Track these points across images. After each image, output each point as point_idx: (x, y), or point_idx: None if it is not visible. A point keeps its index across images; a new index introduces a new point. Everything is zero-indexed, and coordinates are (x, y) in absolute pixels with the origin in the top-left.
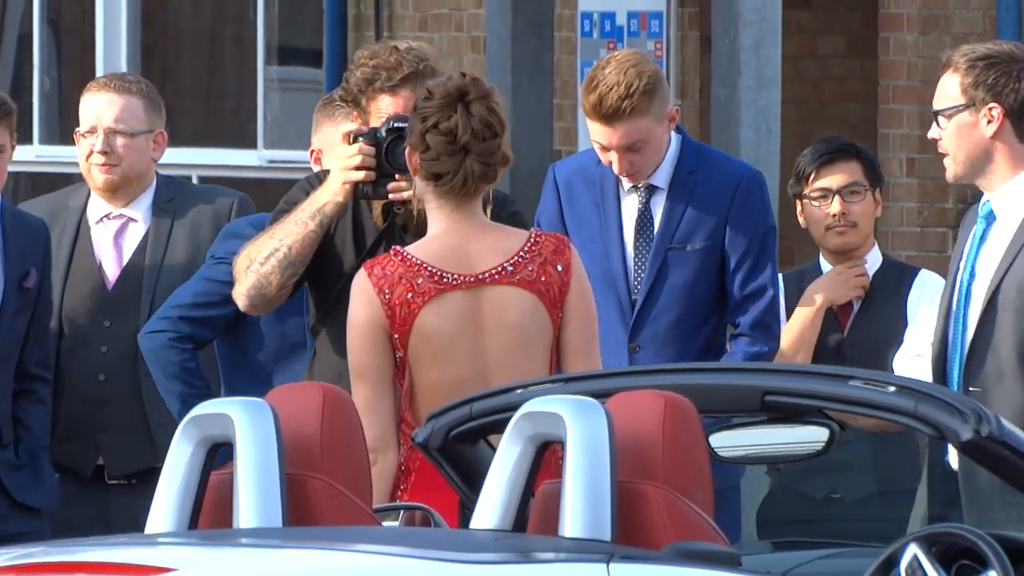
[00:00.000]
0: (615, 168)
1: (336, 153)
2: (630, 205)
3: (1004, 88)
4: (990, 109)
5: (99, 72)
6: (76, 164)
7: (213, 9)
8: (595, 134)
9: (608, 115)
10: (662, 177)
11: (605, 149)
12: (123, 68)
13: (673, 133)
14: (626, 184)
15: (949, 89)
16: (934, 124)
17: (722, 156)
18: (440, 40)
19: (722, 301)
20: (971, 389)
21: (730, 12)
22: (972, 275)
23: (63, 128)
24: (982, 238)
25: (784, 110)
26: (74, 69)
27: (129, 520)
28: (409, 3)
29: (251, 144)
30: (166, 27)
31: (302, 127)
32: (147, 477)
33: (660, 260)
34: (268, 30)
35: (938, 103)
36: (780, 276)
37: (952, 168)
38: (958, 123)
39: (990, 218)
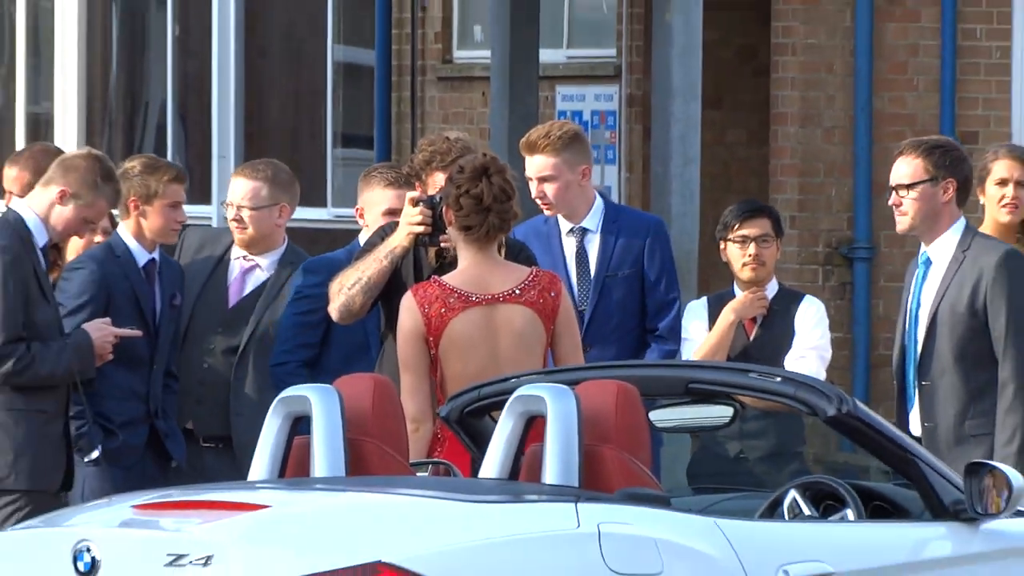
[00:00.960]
0: (532, 192)
1: (404, 212)
2: (569, 245)
3: (957, 168)
4: (947, 183)
5: (215, 153)
6: (200, 218)
7: (295, 108)
8: (526, 168)
9: (527, 146)
10: (592, 222)
11: (529, 179)
12: (231, 152)
13: (598, 195)
14: (564, 229)
15: (911, 168)
16: (894, 193)
17: (634, 210)
18: (457, 130)
19: (645, 310)
20: (923, 383)
21: (664, 113)
22: (918, 304)
23: (190, 194)
24: (924, 278)
25: (702, 183)
26: (196, 152)
27: (216, 471)
28: (436, 104)
29: (323, 204)
30: (262, 121)
31: (357, 192)
32: (230, 443)
33: (600, 285)
34: (334, 123)
35: (902, 179)
36: (705, 298)
37: (908, 223)
38: (922, 192)
39: (928, 263)
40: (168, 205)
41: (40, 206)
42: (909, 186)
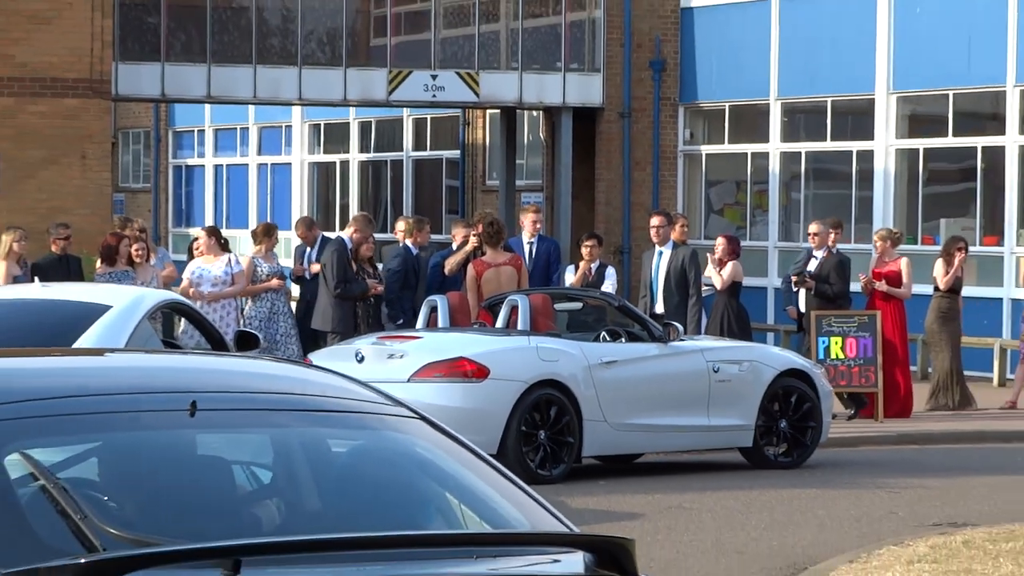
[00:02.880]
0: (526, 228)
1: (470, 239)
2: (527, 248)
3: (676, 220)
4: (674, 224)
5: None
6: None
7: (431, 203)
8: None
9: (523, 212)
10: (534, 240)
11: (521, 224)
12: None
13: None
14: (525, 241)
15: (663, 219)
16: (656, 229)
17: (549, 238)
18: (489, 209)
19: (549, 274)
20: (665, 295)
21: (558, 204)
22: (657, 268)
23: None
24: (659, 259)
25: (571, 227)
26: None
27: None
28: (481, 200)
29: (440, 234)
30: (421, 210)
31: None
32: (412, 321)
33: (536, 263)
34: (444, 206)
35: (659, 224)
36: (572, 264)
37: (661, 240)
38: (666, 228)
39: (660, 254)
40: (425, 233)
41: (348, 233)
42: (663, 226)
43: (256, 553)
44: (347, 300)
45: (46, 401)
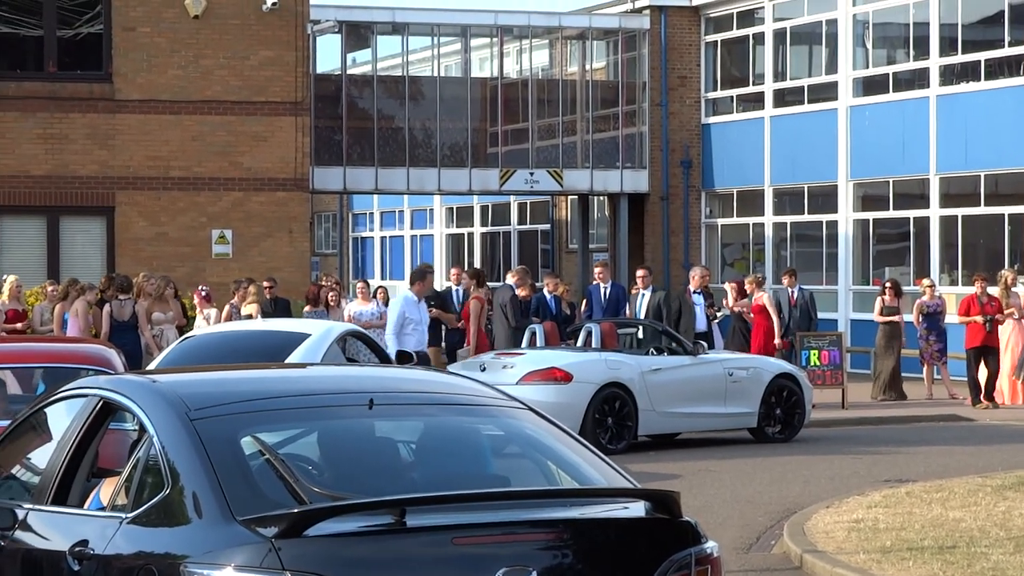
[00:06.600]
0: (602, 278)
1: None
2: (603, 291)
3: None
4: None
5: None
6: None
7: (528, 261)
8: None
9: (596, 265)
10: (609, 284)
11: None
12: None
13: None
14: (602, 287)
15: (644, 271)
16: (643, 279)
17: (617, 283)
18: (571, 265)
19: (619, 309)
20: (644, 319)
21: (617, 263)
22: (640, 305)
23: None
24: (642, 298)
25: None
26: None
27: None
28: (564, 259)
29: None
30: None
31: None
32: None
33: (610, 301)
34: (541, 263)
35: (646, 275)
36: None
37: (645, 286)
38: (649, 278)
39: (643, 295)
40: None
41: (512, 280)
42: (647, 276)
43: (417, 504)
44: (520, 330)
45: (269, 399)
